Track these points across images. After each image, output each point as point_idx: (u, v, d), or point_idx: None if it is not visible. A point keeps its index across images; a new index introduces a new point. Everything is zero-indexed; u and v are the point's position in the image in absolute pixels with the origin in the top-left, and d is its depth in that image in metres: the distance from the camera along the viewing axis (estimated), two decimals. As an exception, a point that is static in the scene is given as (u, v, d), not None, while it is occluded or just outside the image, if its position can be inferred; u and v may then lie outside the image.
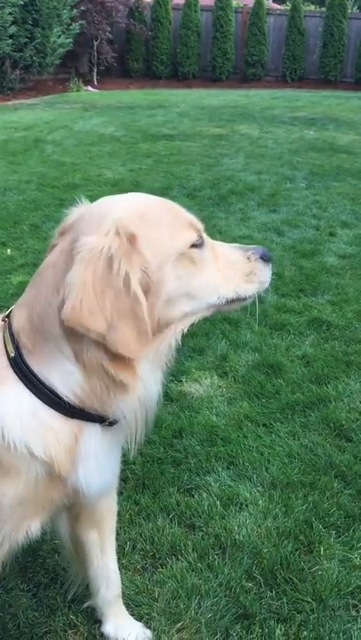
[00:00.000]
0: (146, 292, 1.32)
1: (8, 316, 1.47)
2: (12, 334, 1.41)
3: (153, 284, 1.33)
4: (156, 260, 1.33)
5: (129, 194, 1.49)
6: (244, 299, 1.53)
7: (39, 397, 1.38)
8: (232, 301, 1.51)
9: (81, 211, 1.46)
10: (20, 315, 1.42)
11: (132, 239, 1.30)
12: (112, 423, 1.44)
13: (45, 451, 1.39)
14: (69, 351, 1.34)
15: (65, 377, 1.36)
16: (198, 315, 1.48)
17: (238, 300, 1.52)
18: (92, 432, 1.44)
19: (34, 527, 1.53)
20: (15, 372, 1.38)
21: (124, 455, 1.68)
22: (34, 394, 1.38)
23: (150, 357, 1.39)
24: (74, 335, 1.31)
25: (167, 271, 1.35)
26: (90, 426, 1.43)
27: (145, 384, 1.40)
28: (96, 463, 1.46)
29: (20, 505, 1.46)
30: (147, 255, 1.32)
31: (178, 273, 1.38)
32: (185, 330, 1.47)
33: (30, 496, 1.45)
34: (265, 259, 1.55)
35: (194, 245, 1.41)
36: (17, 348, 1.39)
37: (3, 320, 1.48)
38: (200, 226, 1.48)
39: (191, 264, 1.40)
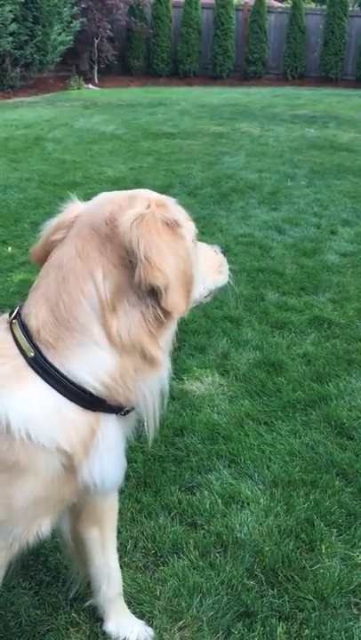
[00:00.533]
0: None
1: (17, 316, 1.46)
2: (26, 333, 1.41)
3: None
4: (187, 234, 1.45)
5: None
6: (215, 289, 1.70)
7: (62, 393, 1.39)
8: (208, 294, 1.67)
9: (79, 207, 1.51)
10: (38, 311, 1.41)
11: (166, 206, 1.43)
12: (127, 412, 1.48)
13: (69, 445, 1.41)
14: (102, 335, 1.37)
15: (93, 366, 1.39)
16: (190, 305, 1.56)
17: (212, 291, 1.69)
18: (109, 423, 1.47)
19: (44, 527, 1.54)
20: (35, 369, 1.39)
21: (126, 453, 1.68)
22: (57, 390, 1.39)
23: (167, 340, 1.48)
24: (115, 314, 1.37)
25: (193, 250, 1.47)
26: (106, 417, 1.46)
27: (166, 364, 1.48)
28: (114, 454, 1.50)
29: (34, 505, 1.46)
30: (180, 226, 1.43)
31: (196, 254, 1.52)
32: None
33: (45, 495, 1.46)
34: (223, 252, 1.75)
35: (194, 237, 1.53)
36: (35, 346, 1.39)
37: (10, 322, 1.46)
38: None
39: (193, 254, 1.48)
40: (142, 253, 1.31)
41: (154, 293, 1.35)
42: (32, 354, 1.39)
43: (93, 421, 1.44)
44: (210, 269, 1.65)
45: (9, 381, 1.38)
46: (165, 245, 1.34)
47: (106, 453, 1.48)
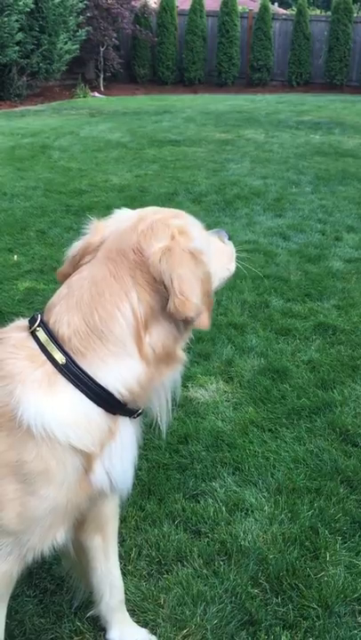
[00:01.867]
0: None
1: (40, 323, 1.49)
2: (55, 341, 1.46)
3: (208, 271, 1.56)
4: (205, 247, 1.55)
5: (139, 210, 1.62)
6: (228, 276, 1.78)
7: (91, 398, 1.46)
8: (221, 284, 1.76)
9: (103, 228, 1.58)
10: (70, 319, 1.47)
11: (189, 235, 1.52)
12: (138, 415, 1.57)
13: (96, 447, 1.48)
14: (134, 348, 1.47)
15: (124, 374, 1.47)
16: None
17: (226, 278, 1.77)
18: (125, 425, 1.54)
19: (59, 537, 1.56)
20: (65, 376, 1.44)
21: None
22: (87, 395, 1.45)
23: (186, 338, 1.59)
24: (148, 331, 1.48)
25: (205, 257, 1.55)
26: (123, 419, 1.54)
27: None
28: (130, 455, 1.57)
29: (53, 513, 1.49)
30: (201, 247, 1.53)
31: (209, 258, 1.60)
32: None
33: (64, 502, 1.49)
34: (229, 238, 1.81)
35: None
36: (66, 353, 1.45)
37: (33, 329, 1.50)
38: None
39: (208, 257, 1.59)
40: (176, 288, 1.43)
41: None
42: (63, 360, 1.44)
43: (112, 424, 1.51)
44: (221, 262, 1.73)
45: (39, 387, 1.43)
46: (193, 276, 1.46)
47: (123, 454, 1.55)
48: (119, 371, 1.47)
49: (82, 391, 1.45)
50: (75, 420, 1.45)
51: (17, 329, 1.55)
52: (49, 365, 1.45)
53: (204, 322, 1.53)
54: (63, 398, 1.44)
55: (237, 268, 1.80)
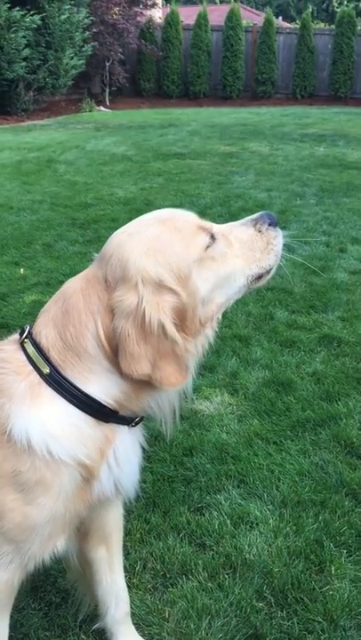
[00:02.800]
0: (183, 310, 1.45)
1: (27, 335, 1.52)
2: (40, 352, 1.47)
3: (188, 299, 1.46)
4: (183, 279, 1.45)
5: (136, 222, 1.54)
6: (269, 271, 1.62)
7: (78, 407, 1.45)
8: (258, 278, 1.61)
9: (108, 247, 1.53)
10: (47, 332, 1.48)
11: (156, 282, 1.42)
12: (137, 423, 1.55)
13: (89, 457, 1.47)
14: (110, 366, 1.45)
15: (105, 386, 1.46)
16: (232, 300, 1.59)
17: (265, 274, 1.61)
18: (123, 432, 1.54)
19: (60, 545, 1.57)
20: (51, 385, 1.45)
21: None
22: (73, 405, 1.45)
23: (192, 352, 1.52)
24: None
25: (194, 280, 1.47)
26: (120, 428, 1.53)
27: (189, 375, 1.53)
28: (128, 462, 1.56)
29: (52, 522, 1.50)
30: (173, 283, 1.44)
31: (204, 276, 1.49)
32: (220, 317, 1.59)
33: (63, 511, 1.50)
34: (273, 224, 1.63)
35: (208, 246, 1.51)
36: (50, 363, 1.46)
37: (22, 342, 1.52)
38: (208, 224, 1.56)
39: (212, 262, 1.51)
40: (125, 350, 1.39)
41: None
42: (47, 370, 1.45)
43: (108, 431, 1.50)
44: (252, 256, 1.58)
45: (25, 399, 1.44)
46: (140, 336, 1.39)
47: (123, 461, 1.54)
48: (100, 383, 1.46)
49: (68, 400, 1.45)
50: (63, 431, 1.44)
51: (10, 342, 1.57)
52: (34, 376, 1.46)
53: (168, 379, 1.43)
54: (49, 410, 1.44)
55: (281, 263, 1.64)
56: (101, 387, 1.46)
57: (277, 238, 1.62)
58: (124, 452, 1.54)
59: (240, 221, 1.64)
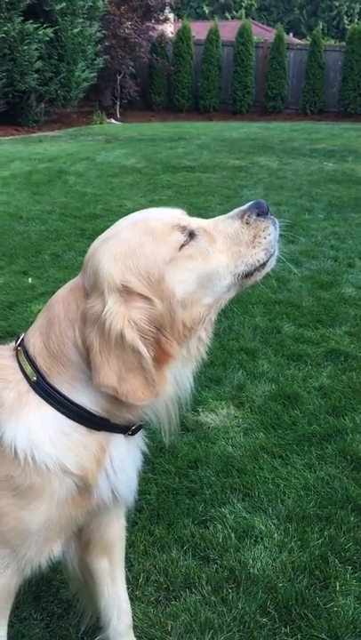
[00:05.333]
0: (160, 316, 1.39)
1: (21, 343, 1.53)
2: (29, 359, 1.48)
3: (163, 304, 1.39)
4: (154, 283, 1.39)
5: (112, 227, 1.51)
6: (262, 265, 1.49)
7: (66, 415, 1.45)
8: (249, 274, 1.49)
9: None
10: (35, 341, 1.49)
11: (123, 288, 1.37)
12: (134, 432, 1.53)
13: (78, 465, 1.46)
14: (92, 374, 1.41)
15: (91, 393, 1.44)
16: (223, 299, 1.49)
17: (255, 269, 1.49)
18: (118, 441, 1.52)
19: (56, 550, 1.57)
20: (38, 393, 1.45)
21: (139, 485, 1.69)
22: (60, 412, 1.45)
23: (182, 357, 1.46)
24: None
25: (168, 283, 1.39)
26: (115, 435, 1.51)
27: (177, 382, 1.47)
28: (124, 471, 1.54)
29: (47, 527, 1.50)
30: (142, 288, 1.38)
31: (180, 277, 1.40)
32: (214, 317, 1.50)
33: (58, 517, 1.50)
34: (263, 213, 1.48)
35: (183, 245, 1.41)
36: (37, 371, 1.46)
37: (15, 349, 1.54)
38: (187, 220, 1.46)
39: (190, 261, 1.42)
40: (94, 361, 1.36)
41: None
42: (34, 378, 1.46)
43: (102, 440, 1.49)
44: (238, 251, 1.46)
45: (13, 407, 1.45)
46: (104, 347, 1.36)
47: (119, 470, 1.53)
48: (86, 391, 1.44)
49: (55, 408, 1.44)
50: (49, 439, 1.44)
51: (7, 349, 1.59)
52: (24, 384, 1.46)
53: (134, 393, 1.37)
54: (35, 417, 1.44)
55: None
56: (88, 395, 1.44)
57: (268, 229, 1.48)
58: (119, 461, 1.53)
59: (228, 214, 1.52)
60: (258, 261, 1.47)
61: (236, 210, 1.52)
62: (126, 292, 1.37)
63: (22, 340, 1.54)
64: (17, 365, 1.50)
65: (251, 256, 1.46)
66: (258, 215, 1.49)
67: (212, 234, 1.47)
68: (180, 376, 1.48)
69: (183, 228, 1.44)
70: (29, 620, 2.08)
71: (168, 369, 1.44)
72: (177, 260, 1.40)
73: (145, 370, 1.37)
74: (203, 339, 1.49)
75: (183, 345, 1.45)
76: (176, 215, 1.49)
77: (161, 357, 1.41)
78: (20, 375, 1.48)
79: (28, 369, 1.46)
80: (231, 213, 1.52)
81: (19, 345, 1.53)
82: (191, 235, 1.44)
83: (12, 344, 1.59)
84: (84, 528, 1.69)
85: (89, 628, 2.01)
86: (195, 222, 1.48)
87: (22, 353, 1.50)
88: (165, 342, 1.41)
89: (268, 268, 1.51)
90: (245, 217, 1.49)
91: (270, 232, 1.48)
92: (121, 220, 1.51)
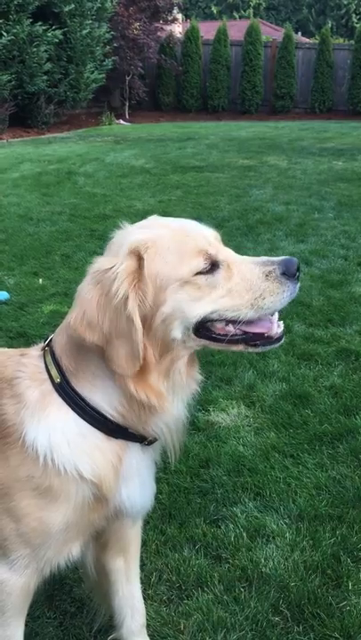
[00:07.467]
0: (148, 313, 1.41)
1: (49, 343, 1.55)
2: (55, 360, 1.50)
3: (151, 307, 1.41)
4: (157, 287, 1.41)
5: (151, 219, 1.57)
6: (245, 323, 1.46)
7: (85, 419, 1.47)
8: (230, 321, 1.47)
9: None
10: (61, 338, 1.52)
11: (140, 261, 1.40)
12: (150, 442, 1.54)
13: (94, 471, 1.48)
14: (107, 370, 1.44)
15: (107, 395, 1.47)
16: (190, 343, 1.47)
17: (236, 321, 1.45)
18: (134, 451, 1.54)
19: (75, 551, 1.59)
20: (61, 395, 1.47)
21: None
22: (80, 416, 1.47)
23: (169, 378, 1.47)
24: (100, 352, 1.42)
25: (167, 295, 1.41)
26: (131, 445, 1.53)
27: (174, 404, 1.49)
28: (139, 481, 1.56)
29: (66, 529, 1.52)
30: (148, 280, 1.41)
31: (178, 297, 1.42)
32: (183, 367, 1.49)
33: (76, 519, 1.51)
34: (289, 273, 1.45)
35: (201, 272, 1.43)
36: (62, 372, 1.48)
37: (43, 349, 1.56)
38: (213, 249, 1.46)
39: (196, 290, 1.43)
40: (76, 301, 1.43)
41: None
42: (58, 380, 1.48)
43: (119, 448, 1.51)
44: (230, 298, 1.44)
45: (36, 407, 1.48)
46: (101, 303, 1.39)
47: (132, 479, 1.54)
48: (105, 391, 1.46)
49: (76, 412, 1.47)
50: (67, 441, 1.46)
51: (37, 348, 1.61)
52: (48, 384, 1.49)
53: (118, 361, 1.38)
54: (56, 419, 1.47)
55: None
56: (104, 395, 1.46)
57: (278, 295, 1.44)
58: (136, 470, 1.55)
59: (259, 258, 1.50)
60: (241, 317, 1.45)
61: (266, 258, 1.50)
62: (139, 265, 1.40)
63: (50, 340, 1.56)
64: (43, 365, 1.52)
65: (237, 310, 1.44)
66: (283, 273, 1.46)
67: (233, 271, 1.46)
68: (172, 400, 1.49)
69: (208, 257, 1.44)
70: (43, 619, 2.09)
71: (152, 379, 1.44)
72: (186, 283, 1.43)
73: (133, 341, 1.38)
74: (182, 374, 1.49)
75: (162, 362, 1.45)
76: (209, 240, 1.49)
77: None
78: (45, 375, 1.50)
79: (53, 371, 1.49)
80: (260, 259, 1.50)
81: (47, 345, 1.55)
82: (214, 264, 1.44)
83: (42, 344, 1.61)
84: (103, 530, 1.70)
85: (102, 627, 2.02)
86: (223, 253, 1.48)
87: (49, 354, 1.52)
88: (144, 347, 1.41)
89: (256, 349, 1.53)
90: (270, 268, 1.46)
91: (277, 300, 1.45)
92: (160, 218, 1.57)
